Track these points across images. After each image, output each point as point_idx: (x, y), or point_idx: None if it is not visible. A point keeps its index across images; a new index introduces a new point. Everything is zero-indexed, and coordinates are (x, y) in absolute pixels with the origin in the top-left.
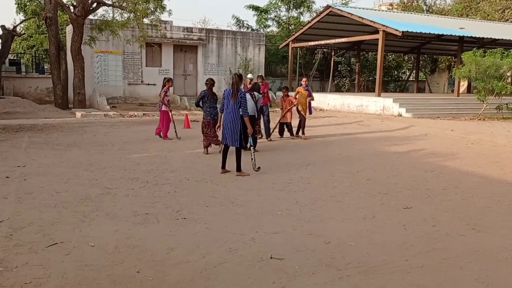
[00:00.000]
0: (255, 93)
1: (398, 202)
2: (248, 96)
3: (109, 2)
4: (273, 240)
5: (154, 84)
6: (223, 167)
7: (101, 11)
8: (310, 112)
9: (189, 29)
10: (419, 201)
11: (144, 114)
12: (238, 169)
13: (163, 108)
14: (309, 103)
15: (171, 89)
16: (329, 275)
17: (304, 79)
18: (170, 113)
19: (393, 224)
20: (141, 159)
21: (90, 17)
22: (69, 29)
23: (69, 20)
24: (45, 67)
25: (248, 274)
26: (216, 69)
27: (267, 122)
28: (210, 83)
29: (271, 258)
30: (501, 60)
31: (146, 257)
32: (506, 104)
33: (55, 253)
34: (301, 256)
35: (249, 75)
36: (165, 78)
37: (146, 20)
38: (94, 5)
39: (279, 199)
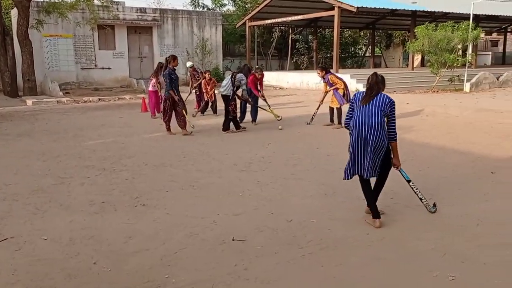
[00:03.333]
0: (238, 75)
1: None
2: (228, 77)
3: None
4: (234, 221)
5: (109, 68)
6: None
7: None
8: (341, 103)
9: (142, 10)
10: None
11: (99, 99)
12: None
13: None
14: (336, 92)
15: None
16: (291, 253)
17: (317, 70)
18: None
19: (354, 198)
20: (97, 145)
21: None
22: (14, 12)
23: (13, 2)
24: None
25: (210, 258)
26: (172, 50)
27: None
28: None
29: (233, 240)
30: (452, 33)
31: (103, 248)
32: (458, 76)
33: (5, 249)
34: (263, 236)
35: (188, 63)
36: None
37: (96, 1)
38: None
39: (240, 180)
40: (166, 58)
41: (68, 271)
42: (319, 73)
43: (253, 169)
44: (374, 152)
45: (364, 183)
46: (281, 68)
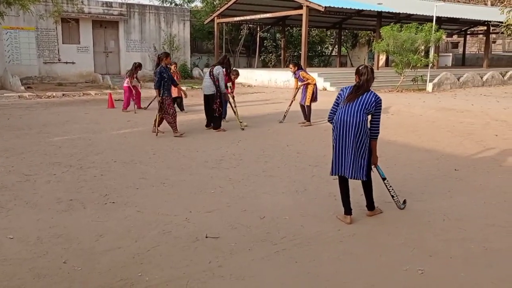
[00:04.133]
0: (215, 68)
1: (328, 174)
2: (207, 74)
3: None
4: (207, 219)
5: (73, 63)
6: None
7: None
8: (301, 102)
9: (108, 4)
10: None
11: (63, 95)
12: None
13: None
14: (305, 89)
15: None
16: (265, 250)
17: (290, 65)
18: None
19: (324, 195)
20: (63, 142)
21: None
22: None
23: None
24: None
25: (183, 255)
26: (139, 45)
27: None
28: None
29: (206, 237)
30: (416, 34)
31: (73, 246)
32: (421, 76)
33: None
34: (236, 233)
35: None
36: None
37: None
38: None
39: (211, 177)
40: (158, 55)
41: (37, 270)
42: (291, 68)
43: (224, 166)
44: (356, 151)
45: (342, 182)
46: (249, 65)
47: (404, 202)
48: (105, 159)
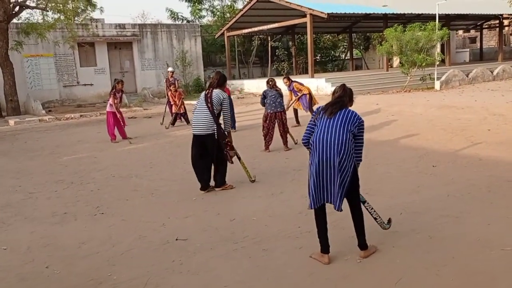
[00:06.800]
0: (216, 94)
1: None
2: (201, 104)
3: (33, 5)
4: (183, 223)
5: (91, 84)
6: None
7: (25, 14)
8: (305, 108)
9: (121, 26)
10: None
11: (81, 116)
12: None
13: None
14: (304, 98)
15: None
16: (226, 248)
17: (284, 80)
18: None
19: (297, 197)
20: (70, 161)
21: (15, 21)
22: None
23: None
24: None
25: (152, 256)
26: (153, 64)
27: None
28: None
29: (176, 240)
30: (419, 33)
31: (57, 253)
32: (429, 75)
33: None
34: (205, 235)
35: (170, 68)
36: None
37: (76, 20)
38: (17, 8)
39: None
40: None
41: (22, 275)
42: (285, 82)
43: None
44: (341, 174)
45: (320, 213)
46: (263, 75)
47: (389, 221)
48: (105, 174)
